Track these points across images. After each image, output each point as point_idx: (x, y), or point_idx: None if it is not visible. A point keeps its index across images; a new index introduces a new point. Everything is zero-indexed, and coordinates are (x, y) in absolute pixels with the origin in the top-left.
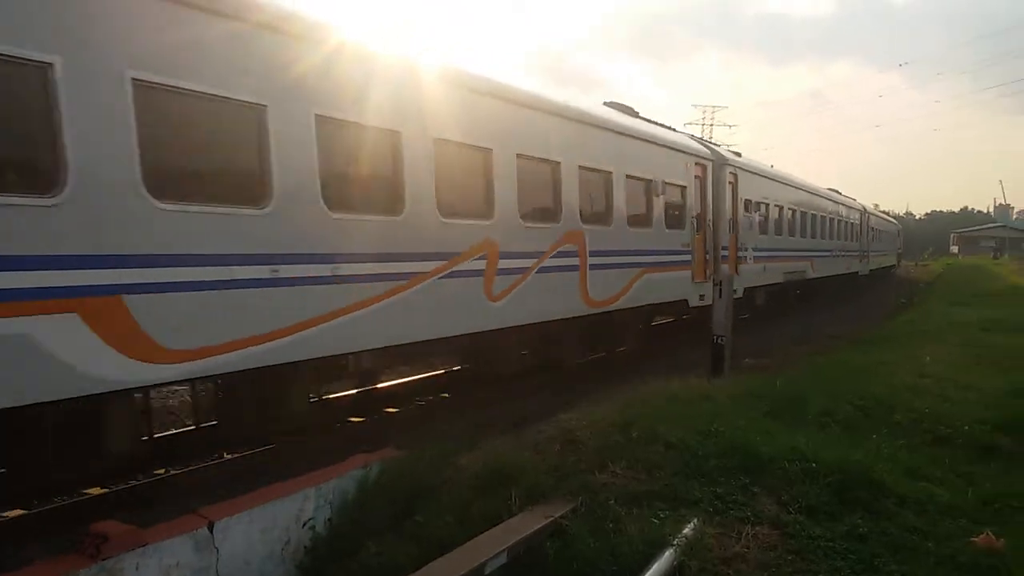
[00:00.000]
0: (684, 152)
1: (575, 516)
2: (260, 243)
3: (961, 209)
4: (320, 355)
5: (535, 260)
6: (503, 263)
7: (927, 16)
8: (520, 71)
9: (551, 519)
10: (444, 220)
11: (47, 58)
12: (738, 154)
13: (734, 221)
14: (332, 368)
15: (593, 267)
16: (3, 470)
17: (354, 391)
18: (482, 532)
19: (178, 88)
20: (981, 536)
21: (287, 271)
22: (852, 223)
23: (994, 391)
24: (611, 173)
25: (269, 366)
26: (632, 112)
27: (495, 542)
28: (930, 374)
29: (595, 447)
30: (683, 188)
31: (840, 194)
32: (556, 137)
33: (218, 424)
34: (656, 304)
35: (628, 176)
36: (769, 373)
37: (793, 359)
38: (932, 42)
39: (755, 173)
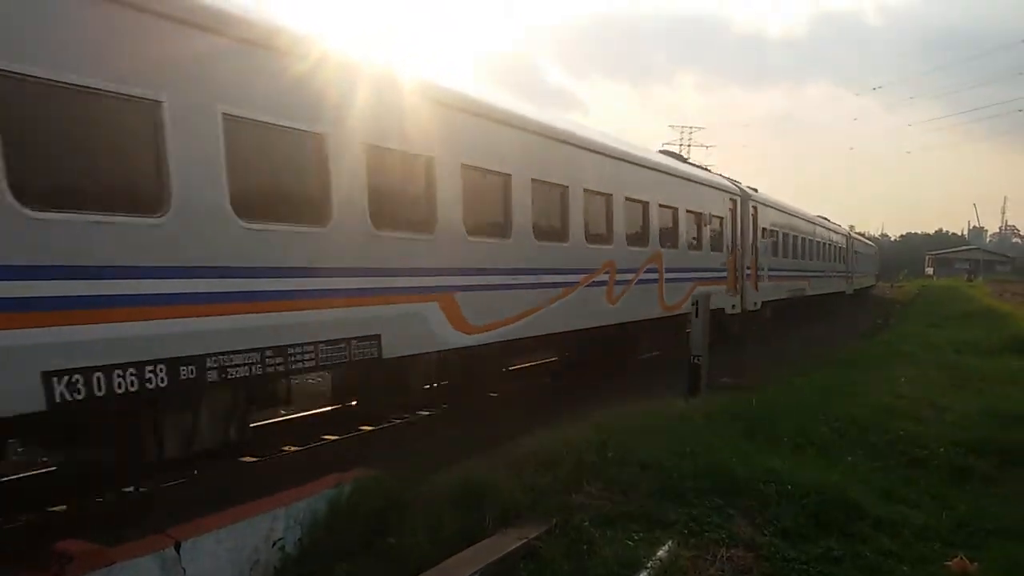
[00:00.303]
0: (721, 190)
1: (549, 538)
2: (507, 261)
3: (936, 231)
4: (532, 335)
5: (635, 274)
6: (617, 276)
7: (901, 41)
8: (501, 88)
9: (525, 540)
10: (589, 246)
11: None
12: (755, 189)
13: (754, 246)
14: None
15: (667, 280)
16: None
17: (328, 408)
18: (455, 553)
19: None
20: (955, 560)
21: (517, 280)
22: (840, 247)
23: (969, 413)
24: (677, 208)
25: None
26: (681, 158)
27: (468, 564)
28: (905, 395)
29: (571, 467)
30: (721, 219)
31: (829, 220)
32: (646, 183)
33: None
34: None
35: (687, 211)
36: (746, 393)
37: (770, 379)
38: (906, 67)
39: (769, 206)
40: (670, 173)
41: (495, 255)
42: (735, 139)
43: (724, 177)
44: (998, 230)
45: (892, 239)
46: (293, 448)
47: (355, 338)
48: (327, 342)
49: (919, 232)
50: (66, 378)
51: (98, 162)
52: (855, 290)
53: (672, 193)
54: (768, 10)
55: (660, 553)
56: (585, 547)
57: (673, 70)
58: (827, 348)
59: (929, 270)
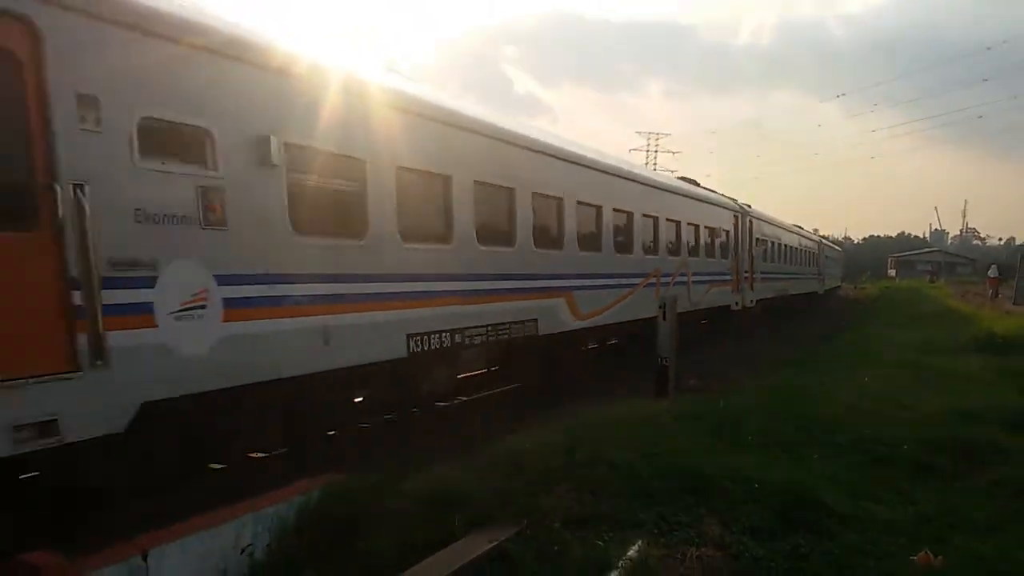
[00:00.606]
0: (726, 208)
1: (520, 540)
2: (601, 268)
3: (898, 234)
4: (613, 322)
5: (671, 278)
6: (662, 280)
7: (864, 50)
8: (470, 95)
9: (495, 543)
10: (645, 256)
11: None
12: (749, 206)
13: (750, 253)
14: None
15: (693, 283)
16: None
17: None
18: (425, 558)
19: None
20: (920, 555)
21: (606, 283)
22: (813, 252)
23: (932, 411)
24: (699, 225)
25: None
26: (695, 183)
27: (438, 568)
28: (870, 395)
29: (541, 469)
30: (727, 232)
31: (803, 229)
32: (678, 206)
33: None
34: (717, 306)
35: (705, 226)
36: (713, 394)
37: (738, 379)
38: (869, 74)
39: (761, 219)
40: (694, 197)
41: (594, 264)
42: (702, 145)
43: (726, 196)
44: (959, 233)
45: (855, 242)
46: (260, 454)
47: (523, 321)
48: (516, 322)
49: (882, 235)
50: (415, 338)
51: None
52: (825, 290)
53: (696, 213)
54: (734, 19)
55: (630, 553)
56: (556, 548)
57: (641, 77)
58: (791, 349)
59: (892, 272)
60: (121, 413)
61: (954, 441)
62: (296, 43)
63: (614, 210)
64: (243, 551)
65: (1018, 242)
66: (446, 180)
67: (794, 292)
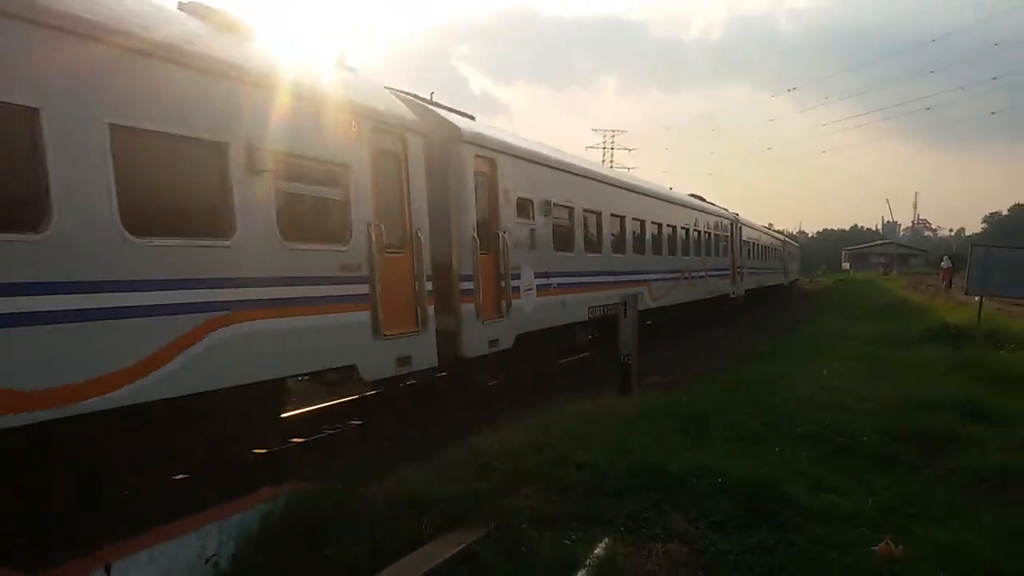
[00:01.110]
0: (725, 217)
1: (488, 541)
2: (665, 265)
3: (851, 227)
4: (669, 304)
5: (696, 273)
6: (692, 274)
7: (811, 44)
8: (424, 93)
9: (464, 545)
10: (683, 257)
11: None
12: (737, 215)
13: (740, 253)
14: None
15: (709, 276)
16: None
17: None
18: (394, 562)
19: None
20: (882, 544)
21: (667, 276)
22: (779, 249)
23: (890, 402)
24: (711, 233)
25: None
26: (701, 198)
27: (407, 571)
28: (829, 387)
29: (508, 470)
30: (727, 236)
31: (771, 228)
32: (701, 219)
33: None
34: (719, 295)
35: (715, 233)
36: (677, 389)
37: (700, 374)
38: (818, 68)
39: (747, 225)
40: (706, 211)
41: (660, 263)
42: (657, 141)
43: (722, 208)
44: (911, 224)
45: (810, 236)
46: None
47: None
48: (608, 304)
49: (835, 228)
50: (593, 310)
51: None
52: (790, 281)
53: (709, 223)
54: (684, 15)
55: (597, 551)
56: (524, 548)
57: (595, 74)
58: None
59: (846, 265)
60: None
61: (912, 431)
62: None
63: (667, 225)
64: (208, 561)
65: (968, 232)
66: (597, 215)
67: (767, 284)
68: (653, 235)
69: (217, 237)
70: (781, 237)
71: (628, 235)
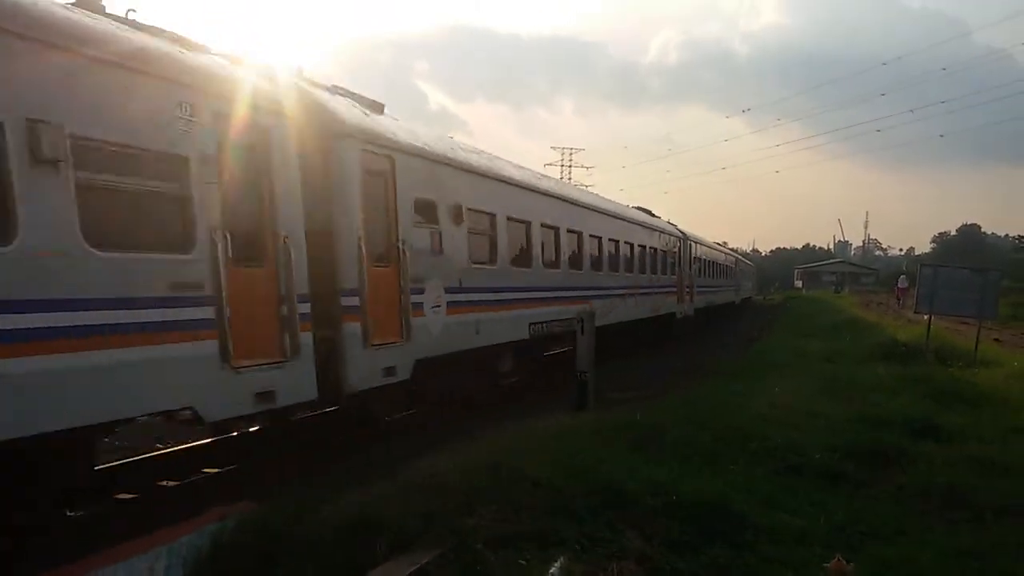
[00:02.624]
0: (672, 235)
1: (442, 562)
2: (617, 283)
3: (804, 246)
4: (618, 321)
5: (642, 290)
6: (635, 292)
7: (765, 67)
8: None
9: (417, 567)
10: (626, 274)
11: None
12: (684, 233)
13: (689, 271)
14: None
15: (655, 294)
16: None
17: (209, 440)
18: None
19: None
20: (833, 561)
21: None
22: (731, 267)
23: (840, 419)
24: (657, 248)
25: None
26: (650, 212)
27: None
28: (781, 404)
29: (463, 489)
30: (674, 252)
31: (724, 246)
32: (646, 237)
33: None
34: (667, 313)
35: (661, 250)
36: (632, 407)
37: (655, 392)
38: (771, 91)
39: (696, 242)
40: (651, 227)
41: (601, 279)
42: (615, 160)
43: (671, 224)
44: (862, 244)
45: (763, 254)
46: (171, 483)
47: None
48: (544, 322)
49: (788, 247)
50: (535, 326)
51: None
52: (741, 299)
53: (655, 240)
54: (641, 37)
55: (552, 571)
56: (478, 569)
57: (553, 93)
58: (712, 357)
59: (798, 283)
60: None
61: (862, 448)
62: None
63: (609, 239)
64: None
65: (918, 252)
66: (527, 226)
67: (719, 303)
68: (593, 250)
69: None
70: (733, 254)
71: (564, 249)
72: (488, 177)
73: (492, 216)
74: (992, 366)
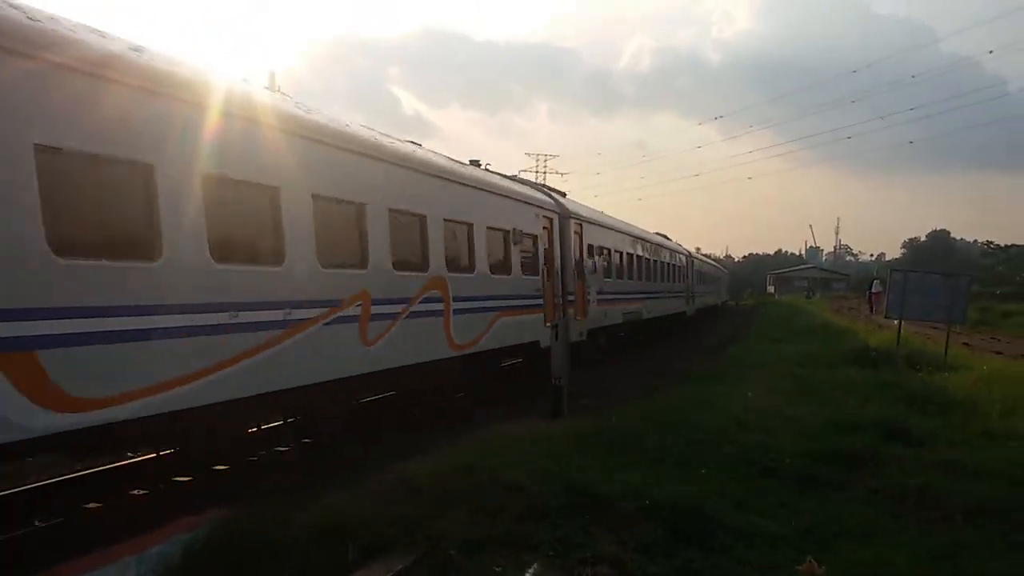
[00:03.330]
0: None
1: (416, 568)
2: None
3: (776, 251)
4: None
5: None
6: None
7: (737, 74)
8: (357, 114)
9: (392, 573)
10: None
11: None
12: (688, 251)
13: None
14: None
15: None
16: None
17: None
18: None
19: None
20: (806, 564)
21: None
22: (679, 267)
23: (812, 423)
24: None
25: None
26: (666, 237)
27: None
28: (754, 408)
29: (437, 494)
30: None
31: (699, 252)
32: (668, 256)
33: None
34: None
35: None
36: (606, 412)
37: (629, 397)
38: (743, 98)
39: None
40: (674, 251)
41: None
42: (589, 166)
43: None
44: (833, 249)
45: (736, 260)
46: (141, 492)
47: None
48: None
49: (761, 252)
50: (625, 314)
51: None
52: (723, 302)
53: (673, 259)
54: (614, 44)
55: None
56: (452, 575)
57: (528, 99)
58: (680, 364)
59: (771, 288)
60: None
61: (835, 451)
62: None
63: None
64: None
65: (888, 257)
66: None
67: (651, 316)
68: (648, 266)
69: None
70: (683, 249)
71: (634, 265)
72: (605, 227)
73: (614, 250)
74: (962, 370)
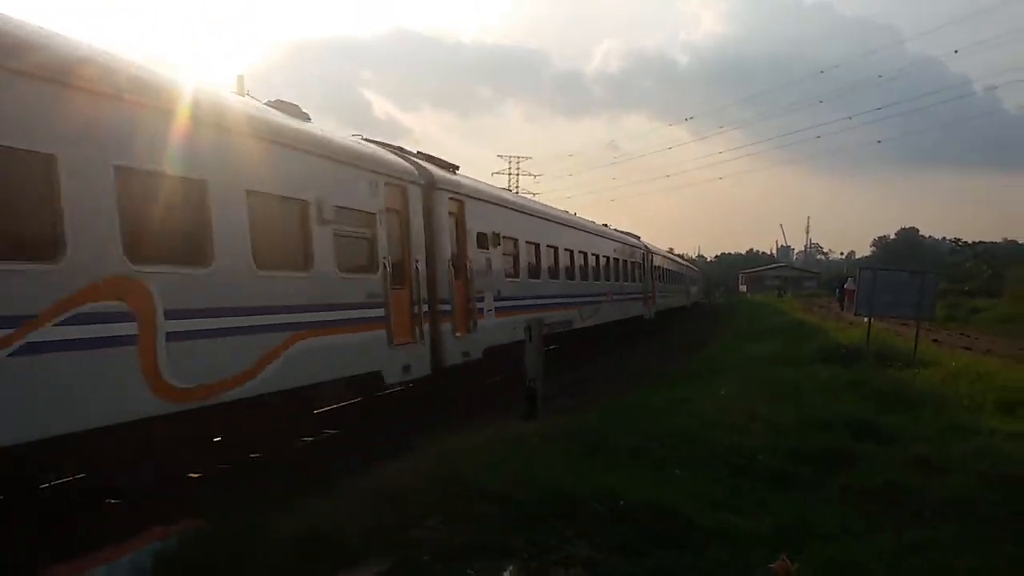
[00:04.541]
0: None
1: (392, 574)
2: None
3: (747, 251)
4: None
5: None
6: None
7: (705, 76)
8: (328, 118)
9: None
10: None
11: None
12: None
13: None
14: None
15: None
16: None
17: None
18: None
19: None
20: (779, 562)
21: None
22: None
23: (784, 422)
24: (683, 273)
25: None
26: (679, 256)
27: None
28: (727, 408)
29: (412, 501)
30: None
31: (682, 257)
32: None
33: None
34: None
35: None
36: (581, 413)
37: (602, 397)
38: (712, 99)
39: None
40: (684, 263)
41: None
42: (561, 167)
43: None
44: (803, 248)
45: (708, 259)
46: (113, 500)
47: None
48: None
49: (732, 252)
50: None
51: None
52: (694, 302)
53: (678, 267)
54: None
55: None
56: None
57: (499, 101)
58: (654, 364)
59: (743, 287)
60: None
61: (807, 450)
62: None
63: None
64: None
65: (858, 255)
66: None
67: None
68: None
69: None
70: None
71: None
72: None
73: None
74: (931, 366)
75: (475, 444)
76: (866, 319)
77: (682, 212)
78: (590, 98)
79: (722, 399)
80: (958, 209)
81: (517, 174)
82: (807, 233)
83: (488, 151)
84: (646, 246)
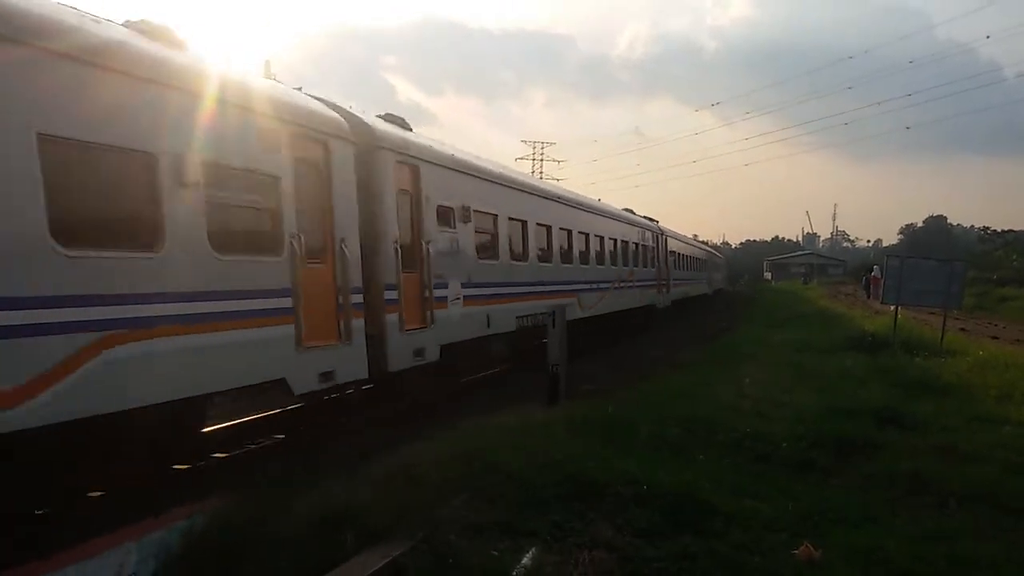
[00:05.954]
0: (717, 254)
1: (415, 554)
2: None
3: (773, 238)
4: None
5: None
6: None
7: (733, 61)
8: (354, 102)
9: (390, 559)
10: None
11: None
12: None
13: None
14: None
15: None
16: None
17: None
18: None
19: None
20: (802, 548)
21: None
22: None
23: (808, 409)
24: (706, 260)
25: None
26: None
27: None
28: (749, 394)
29: (436, 481)
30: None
31: (706, 243)
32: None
33: None
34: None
35: (709, 261)
36: (603, 399)
37: (625, 384)
38: (739, 84)
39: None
40: (712, 252)
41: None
42: (585, 153)
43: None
44: (830, 235)
45: (733, 247)
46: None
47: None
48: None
49: (758, 239)
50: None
51: None
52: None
53: (704, 254)
54: (609, 30)
55: (525, 560)
56: (451, 560)
57: (523, 86)
58: (675, 350)
59: (768, 275)
60: None
61: (830, 437)
62: None
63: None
64: None
65: (885, 243)
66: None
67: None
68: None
69: None
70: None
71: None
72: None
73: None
74: (957, 356)
75: (499, 428)
76: (893, 307)
77: (707, 199)
78: (615, 83)
79: (745, 386)
80: (988, 197)
81: (541, 159)
82: (833, 220)
83: (512, 137)
84: (661, 229)
